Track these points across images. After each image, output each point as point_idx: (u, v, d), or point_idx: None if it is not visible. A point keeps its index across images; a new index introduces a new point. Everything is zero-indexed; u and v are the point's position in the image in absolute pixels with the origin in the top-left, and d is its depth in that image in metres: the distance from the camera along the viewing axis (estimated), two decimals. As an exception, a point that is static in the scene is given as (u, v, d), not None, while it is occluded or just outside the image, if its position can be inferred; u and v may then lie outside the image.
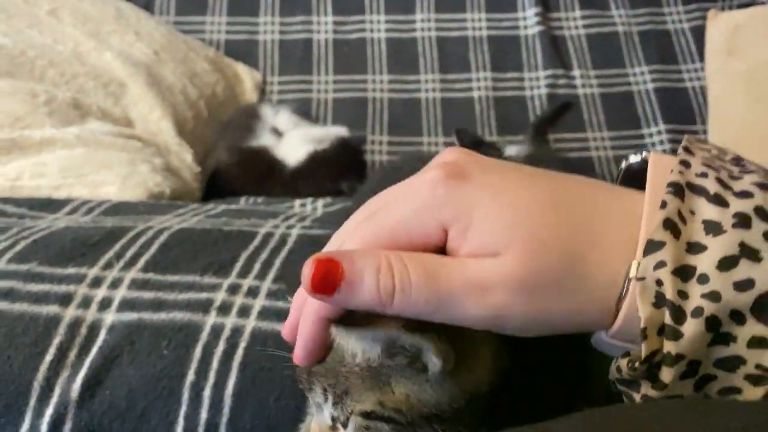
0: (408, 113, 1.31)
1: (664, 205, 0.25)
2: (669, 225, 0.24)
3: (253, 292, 0.47)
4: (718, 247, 0.24)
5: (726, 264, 0.24)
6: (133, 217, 0.62)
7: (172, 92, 1.13)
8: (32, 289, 0.47)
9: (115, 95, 1.06)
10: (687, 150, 0.28)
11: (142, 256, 0.52)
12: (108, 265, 0.50)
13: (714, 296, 0.23)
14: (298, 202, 0.76)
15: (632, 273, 0.25)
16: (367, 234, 0.28)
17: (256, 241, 0.55)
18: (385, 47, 1.38)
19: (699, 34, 1.40)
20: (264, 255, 0.53)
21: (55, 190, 0.86)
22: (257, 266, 0.51)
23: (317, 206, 0.72)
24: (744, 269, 0.23)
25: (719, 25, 1.35)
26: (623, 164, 0.31)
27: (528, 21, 1.40)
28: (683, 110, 1.32)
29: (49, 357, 0.44)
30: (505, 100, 1.33)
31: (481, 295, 0.26)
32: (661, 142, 1.27)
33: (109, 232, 0.55)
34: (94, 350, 0.45)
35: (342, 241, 0.30)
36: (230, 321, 0.46)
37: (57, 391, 0.43)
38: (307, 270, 0.26)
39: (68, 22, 1.09)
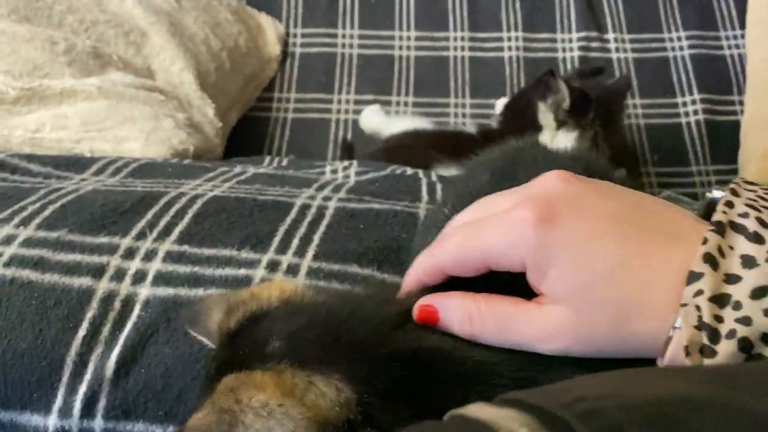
0: (435, 73, 1.26)
1: (705, 241, 0.29)
2: (708, 258, 0.28)
3: (293, 270, 0.45)
4: (751, 278, 0.27)
5: (758, 293, 0.27)
6: (162, 180, 0.60)
7: (195, 42, 1.09)
8: (63, 259, 0.45)
9: (137, 45, 1.02)
10: (733, 192, 0.31)
11: (176, 227, 0.49)
12: (141, 235, 0.48)
13: (746, 321, 0.27)
14: (329, 167, 0.73)
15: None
16: (462, 244, 0.33)
17: (293, 213, 0.52)
18: (414, 1, 1.32)
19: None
20: (302, 229, 0.50)
21: (77, 144, 0.83)
22: (296, 242, 0.49)
23: (349, 174, 0.70)
24: None
25: (764, -11, 1.29)
26: (707, 196, 0.33)
27: (564, -22, 1.34)
28: (720, 79, 1.27)
29: (82, 332, 0.42)
30: (537, 61, 1.28)
31: (546, 342, 0.31)
32: (696, 112, 1.23)
33: (141, 198, 0.52)
34: (129, 326, 0.43)
35: (448, 234, 0.35)
36: (270, 301, 0.44)
37: (90, 367, 0.42)
38: (416, 311, 0.33)
39: (88, -35, 1.05)
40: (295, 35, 1.29)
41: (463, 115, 1.23)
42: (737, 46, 1.30)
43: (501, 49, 1.29)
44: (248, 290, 0.37)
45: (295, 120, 1.22)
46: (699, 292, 0.28)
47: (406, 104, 1.24)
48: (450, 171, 0.97)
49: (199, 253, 0.47)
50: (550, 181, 0.33)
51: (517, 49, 1.29)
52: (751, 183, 0.33)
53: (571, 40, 1.30)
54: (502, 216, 0.32)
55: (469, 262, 0.33)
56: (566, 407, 0.22)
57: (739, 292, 0.27)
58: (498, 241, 0.32)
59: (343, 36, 1.29)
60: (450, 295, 0.33)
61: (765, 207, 0.30)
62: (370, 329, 0.32)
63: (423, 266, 0.35)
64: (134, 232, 0.48)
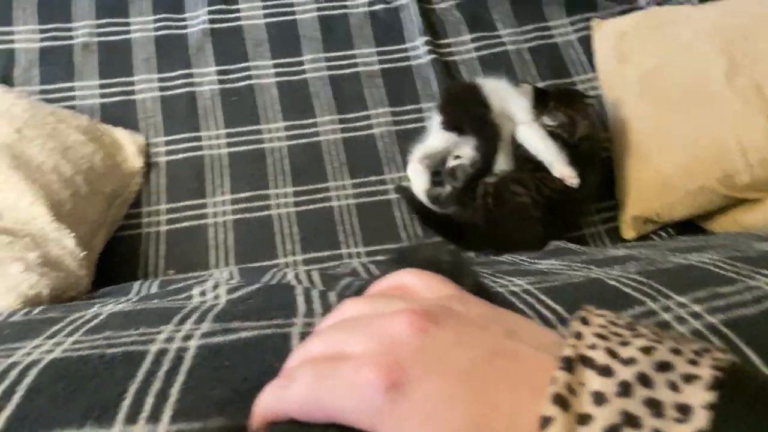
0: (309, 159, 1.24)
1: (554, 380, 0.27)
2: (557, 399, 0.26)
3: (145, 443, 0.38)
4: (603, 417, 0.25)
5: None
6: (-7, 349, 0.51)
7: (43, 172, 1.01)
8: None
9: (-26, 185, 0.93)
10: (583, 320, 0.30)
11: (4, 411, 0.41)
12: (-45, 436, 0.40)
13: None
14: (197, 290, 0.67)
15: None
16: (307, 398, 0.30)
17: (147, 364, 0.45)
18: (277, 92, 1.30)
19: (586, 44, 1.41)
20: (157, 384, 0.43)
21: None
22: (149, 402, 0.42)
23: (219, 293, 0.63)
24: None
25: (605, 33, 1.37)
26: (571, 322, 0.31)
27: (419, 50, 1.37)
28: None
29: None
30: (407, 132, 1.29)
31: None
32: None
33: (-42, 383, 0.44)
34: None
35: (295, 375, 0.32)
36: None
37: None
38: None
39: None
40: (157, 144, 1.23)
41: (346, 197, 1.21)
42: (593, 88, 1.36)
43: (370, 126, 1.28)
44: None
45: (169, 232, 1.15)
46: None
47: (285, 195, 1.20)
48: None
49: (29, 443, 0.39)
50: (403, 328, 0.30)
51: (386, 123, 1.29)
52: (600, 311, 0.32)
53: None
54: (348, 374, 0.30)
55: (316, 418, 0.30)
56: None
57: None
58: (344, 405, 0.29)
59: (209, 137, 1.24)
60: None
61: (615, 334, 0.29)
62: None
63: (269, 409, 0.33)
64: (-52, 432, 0.40)
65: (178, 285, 0.76)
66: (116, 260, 1.10)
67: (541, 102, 1.16)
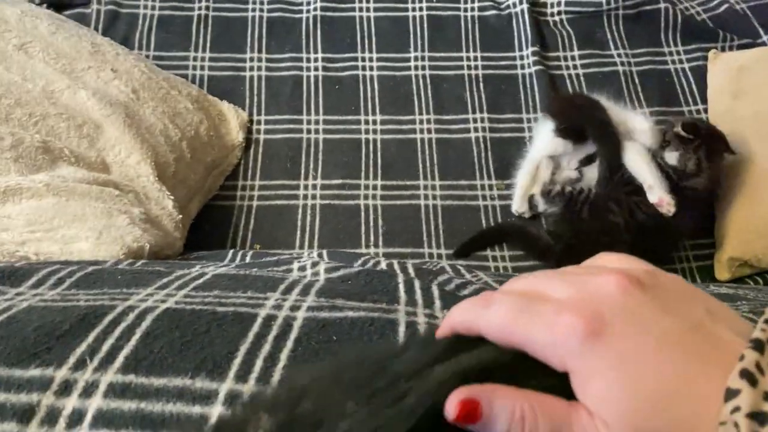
0: (403, 155, 1.24)
1: (742, 357, 0.28)
2: (745, 374, 0.27)
3: (257, 402, 0.39)
4: None
5: None
6: (109, 291, 0.53)
7: (152, 133, 1.05)
8: (-16, 400, 0.39)
9: (90, 137, 0.97)
10: None
11: (122, 351, 0.43)
12: (80, 364, 0.41)
13: None
14: (296, 265, 0.68)
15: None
16: (506, 324, 0.32)
17: (256, 327, 0.46)
18: (378, 86, 1.31)
19: (699, 74, 1.36)
20: (266, 347, 0.44)
21: (21, 247, 0.77)
22: (259, 364, 0.42)
23: (319, 271, 0.64)
24: None
25: (721, 66, 1.32)
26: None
27: (525, 60, 1.35)
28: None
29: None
30: (502, 141, 1.27)
31: None
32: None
33: (82, 317, 0.46)
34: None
35: (498, 299, 0.33)
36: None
37: None
38: (453, 407, 0.29)
39: (39, 57, 1.01)
40: (258, 122, 1.26)
41: (434, 197, 1.20)
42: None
43: (467, 130, 1.28)
44: None
45: (260, 207, 1.17)
46: (736, 409, 0.26)
47: (375, 187, 1.21)
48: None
49: (147, 385, 0.40)
50: (608, 285, 0.31)
51: (483, 129, 1.28)
52: None
53: (537, 119, 1.30)
54: (549, 314, 0.31)
55: (508, 343, 0.32)
56: None
57: None
58: (541, 340, 0.31)
59: (308, 122, 1.26)
60: (497, 390, 0.30)
61: None
62: None
63: (462, 321, 0.34)
64: (72, 360, 0.42)
65: (274, 258, 0.78)
66: (207, 228, 1.14)
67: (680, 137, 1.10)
